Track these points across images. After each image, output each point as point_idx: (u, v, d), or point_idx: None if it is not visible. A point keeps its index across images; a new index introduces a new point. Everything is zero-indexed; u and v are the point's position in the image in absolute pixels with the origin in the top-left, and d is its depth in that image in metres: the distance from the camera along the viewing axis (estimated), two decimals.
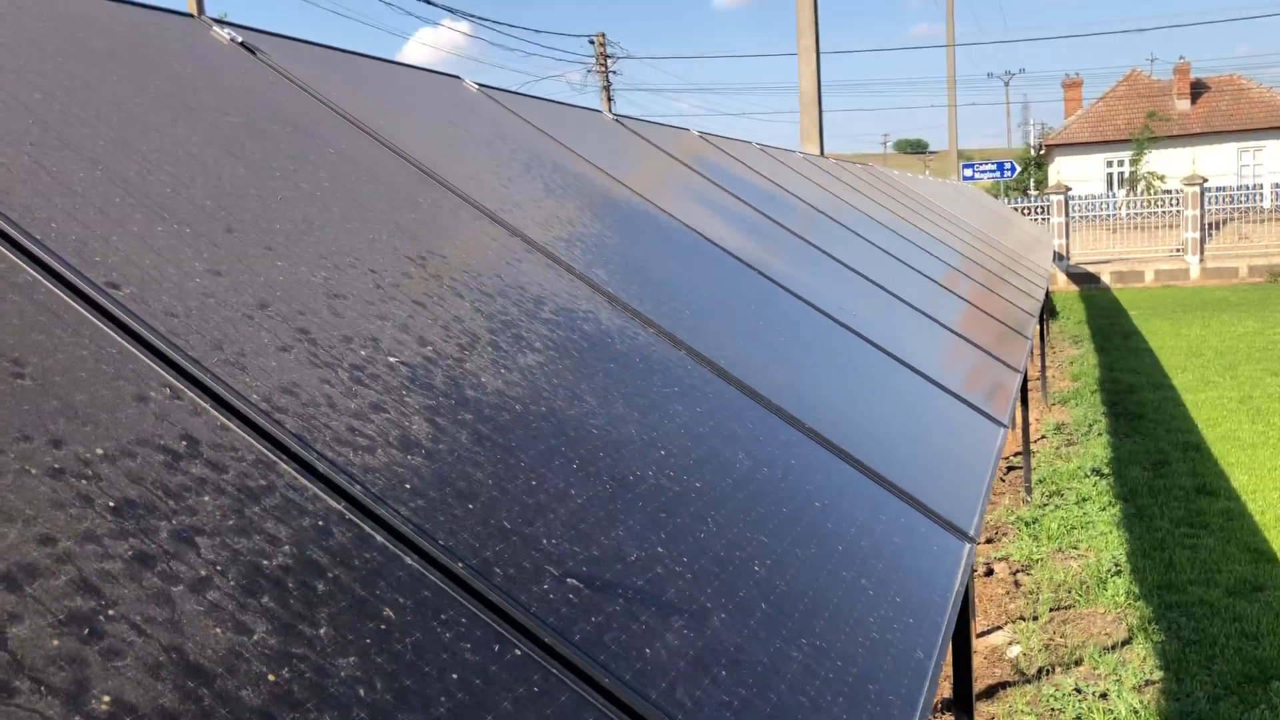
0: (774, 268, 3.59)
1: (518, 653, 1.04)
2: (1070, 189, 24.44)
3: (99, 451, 0.97)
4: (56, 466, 0.92)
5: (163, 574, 0.88)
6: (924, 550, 1.90)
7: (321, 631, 0.92)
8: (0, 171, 1.32)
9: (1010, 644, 5.09)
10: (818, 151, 19.08)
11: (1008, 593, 5.75)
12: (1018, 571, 6.03)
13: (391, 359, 1.45)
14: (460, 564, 1.11)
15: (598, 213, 2.90)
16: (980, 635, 5.22)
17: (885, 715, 1.31)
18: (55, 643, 0.77)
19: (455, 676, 0.96)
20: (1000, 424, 3.09)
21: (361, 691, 0.88)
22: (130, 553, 0.88)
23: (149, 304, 1.24)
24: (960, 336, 4.35)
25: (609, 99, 38.57)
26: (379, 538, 1.08)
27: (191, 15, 2.45)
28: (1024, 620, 5.33)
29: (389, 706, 0.89)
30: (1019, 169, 42.27)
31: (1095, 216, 24.68)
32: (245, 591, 0.91)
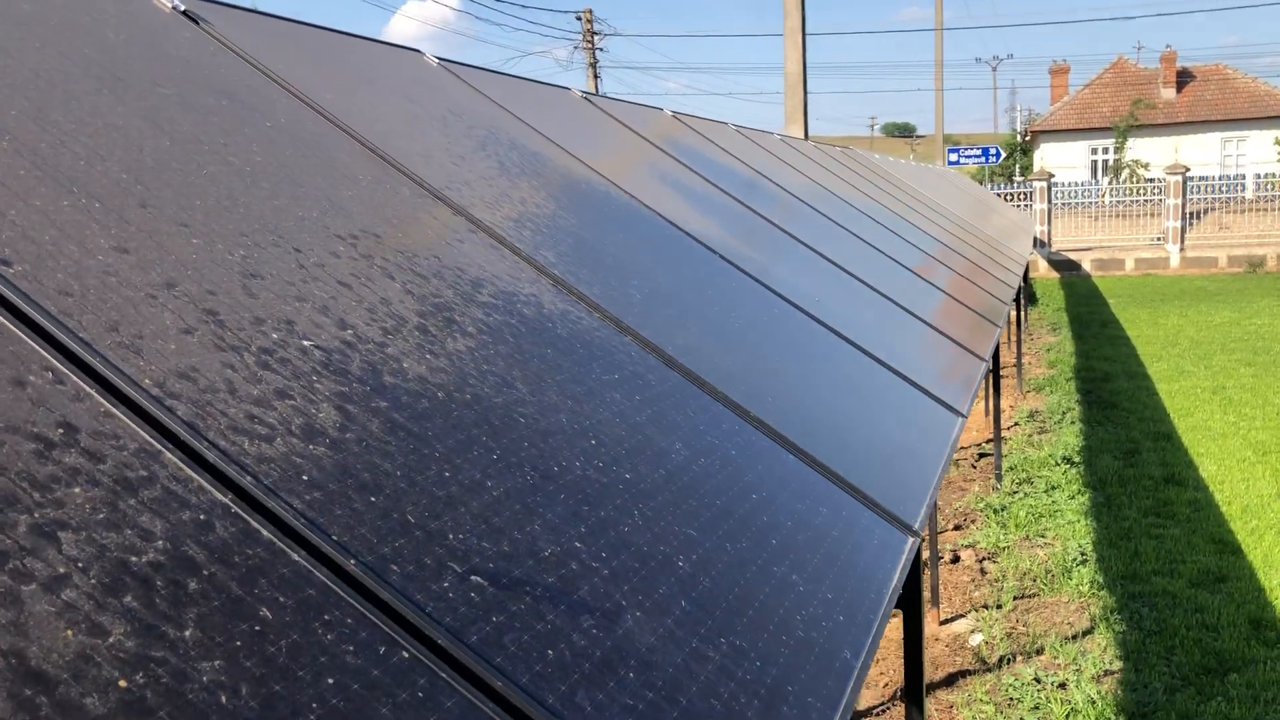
0: (739, 253, 3.54)
1: (405, 655, 1.00)
2: (1053, 175, 24.46)
3: None
4: None
5: (14, 572, 0.83)
6: (864, 544, 1.86)
7: (187, 633, 0.88)
8: None
9: (973, 632, 5.09)
10: (802, 133, 19.01)
11: (973, 580, 5.75)
12: (984, 559, 6.03)
13: (306, 343, 1.40)
14: (353, 560, 1.07)
15: (554, 193, 2.85)
16: (943, 623, 5.22)
17: (802, 718, 1.27)
18: None
19: (331, 681, 0.92)
20: (958, 413, 3.06)
21: (223, 698, 0.84)
22: None
23: (42, 282, 1.19)
24: (928, 325, 4.32)
25: (595, 76, 38.37)
26: (265, 533, 1.04)
27: None
28: (988, 608, 5.33)
29: (253, 714, 0.84)
30: (1004, 154, 42.26)
31: (1078, 204, 24.72)
32: (106, 590, 0.87)
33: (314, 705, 0.88)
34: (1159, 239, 22.75)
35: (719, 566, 1.50)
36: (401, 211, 2.05)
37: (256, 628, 0.92)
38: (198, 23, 2.39)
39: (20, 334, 1.09)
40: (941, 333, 4.25)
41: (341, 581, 1.04)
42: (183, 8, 2.40)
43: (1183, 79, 40.13)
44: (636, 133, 4.59)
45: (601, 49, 38.98)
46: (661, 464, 1.69)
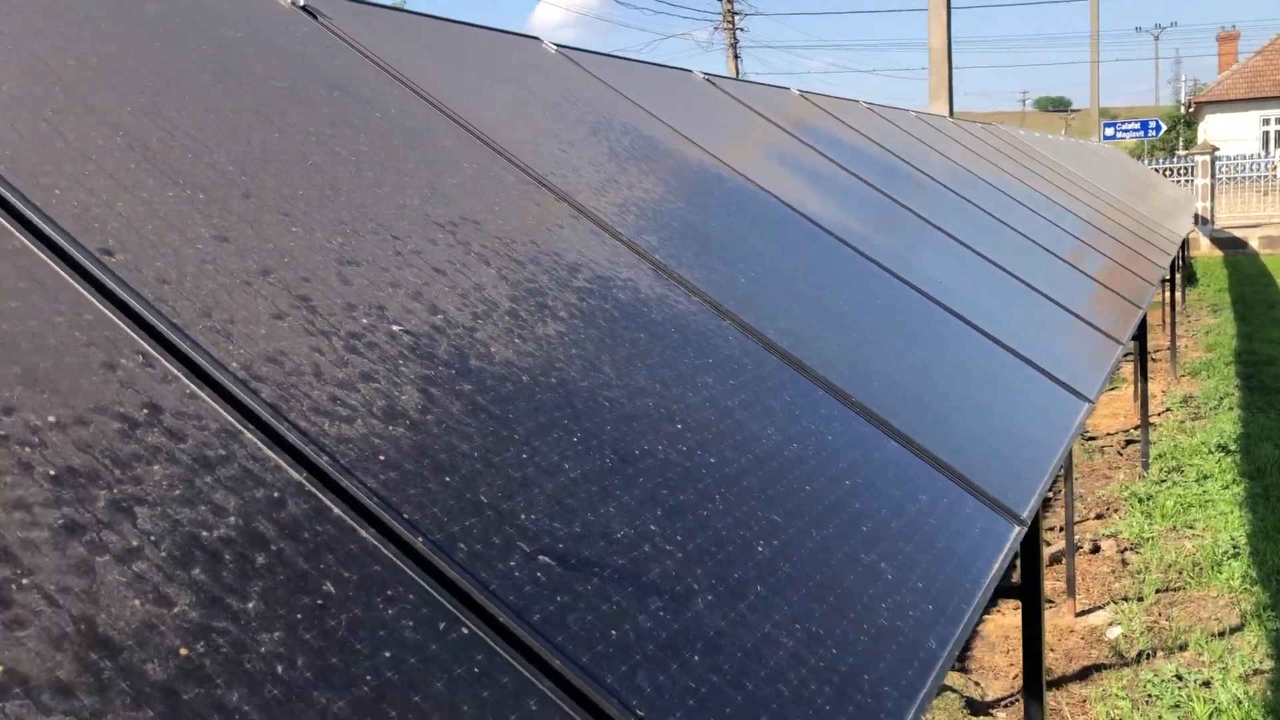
0: (859, 235, 3.48)
1: (464, 631, 1.03)
2: (1217, 149, 23.21)
3: (50, 419, 0.98)
4: (1, 434, 0.94)
5: (90, 544, 0.89)
6: (964, 533, 1.82)
7: (249, 606, 0.92)
8: (12, 138, 1.35)
9: (1111, 624, 4.90)
10: (946, 110, 18.50)
11: (1113, 571, 5.54)
12: (1126, 550, 5.80)
13: (395, 328, 1.45)
14: (421, 539, 1.10)
15: (664, 177, 2.86)
16: (1080, 614, 5.05)
17: (876, 708, 1.26)
18: None
19: (387, 655, 0.95)
20: (1084, 398, 2.95)
21: (279, 668, 0.88)
22: (60, 522, 0.89)
23: (141, 271, 1.26)
24: (1062, 308, 4.17)
25: (735, 57, 38.09)
26: (336, 510, 1.08)
27: None
28: (1128, 601, 5.13)
29: (306, 685, 0.88)
30: (1165, 128, 40.29)
31: (1246, 178, 23.39)
32: (175, 563, 0.92)
33: (368, 678, 0.92)
34: None
35: (801, 552, 1.48)
36: (503, 198, 2.09)
37: (318, 601, 0.96)
38: (315, 17, 2.48)
39: (115, 319, 1.16)
40: (1076, 315, 4.09)
41: (407, 558, 1.07)
42: (301, 2, 2.48)
43: None
44: (760, 114, 4.55)
45: (742, 29, 38.67)
46: (750, 449, 1.68)
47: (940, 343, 2.81)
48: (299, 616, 0.94)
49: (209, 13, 2.13)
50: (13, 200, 1.24)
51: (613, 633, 1.13)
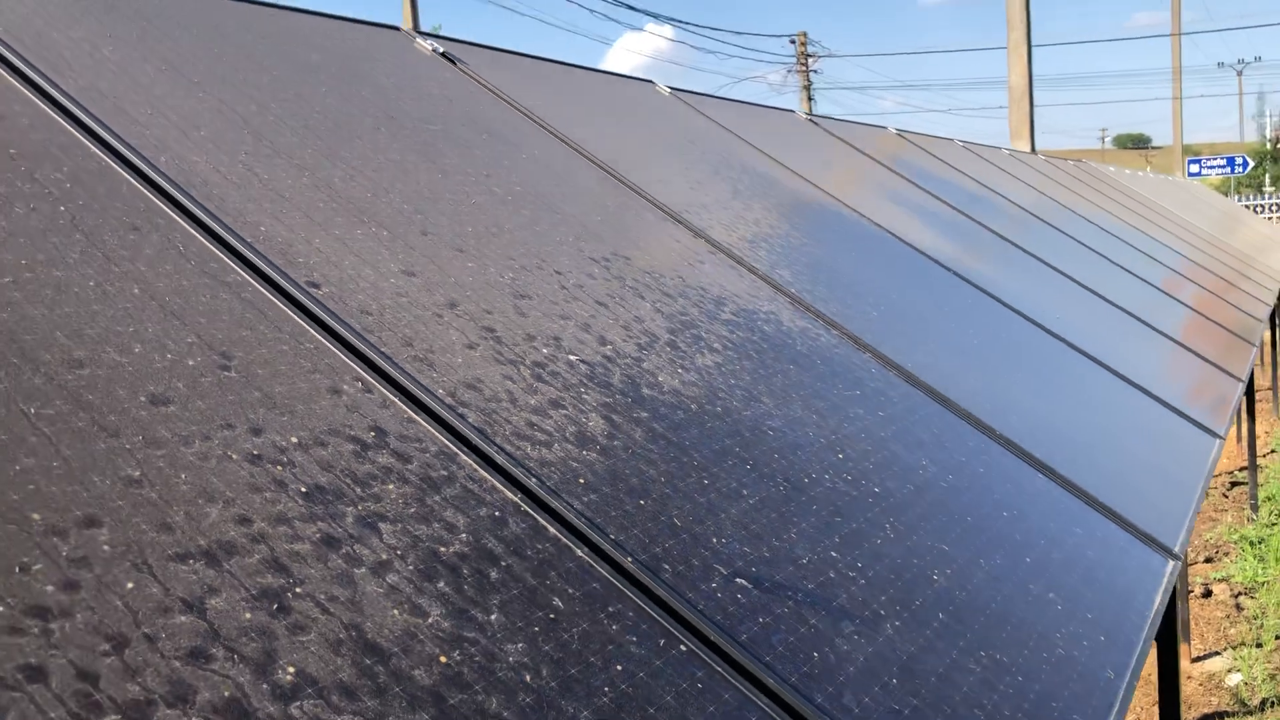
0: (974, 270, 3.48)
1: (683, 649, 1.05)
2: None
3: (294, 440, 1.04)
4: (255, 453, 0.99)
5: (347, 556, 0.93)
6: (1122, 566, 1.80)
7: (493, 618, 0.96)
8: (216, 179, 1.43)
9: (1230, 671, 4.76)
10: (1028, 148, 18.34)
11: (1227, 616, 5.38)
12: (1240, 594, 5.63)
13: (572, 357, 1.49)
14: (629, 558, 1.13)
15: (785, 214, 2.89)
16: (1195, 660, 4.91)
17: None
18: (248, 616, 0.83)
19: (619, 668, 0.98)
20: (1215, 434, 2.90)
21: (528, 677, 0.91)
22: (318, 535, 0.94)
23: (345, 302, 1.32)
24: (1175, 342, 4.10)
25: (809, 98, 38.19)
26: (552, 529, 1.12)
27: (397, 28, 2.57)
28: (1245, 646, 4.97)
29: (553, 693, 0.91)
30: (1252, 164, 39.42)
31: None
32: (423, 576, 0.96)
33: (605, 689, 0.95)
34: None
35: (974, 581, 1.49)
36: (646, 234, 2.14)
37: (551, 616, 1.00)
38: (455, 63, 2.57)
39: (332, 347, 1.22)
40: (1192, 351, 4.03)
41: (621, 577, 1.10)
42: (441, 50, 2.58)
43: None
44: (861, 151, 4.57)
45: (816, 71, 38.80)
46: (909, 479, 1.69)
47: (1066, 375, 2.79)
48: (536, 629, 0.97)
49: (363, 61, 2.22)
50: (226, 236, 1.31)
51: (814, 654, 1.15)
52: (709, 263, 2.18)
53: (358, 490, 1.02)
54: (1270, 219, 22.21)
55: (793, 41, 38.53)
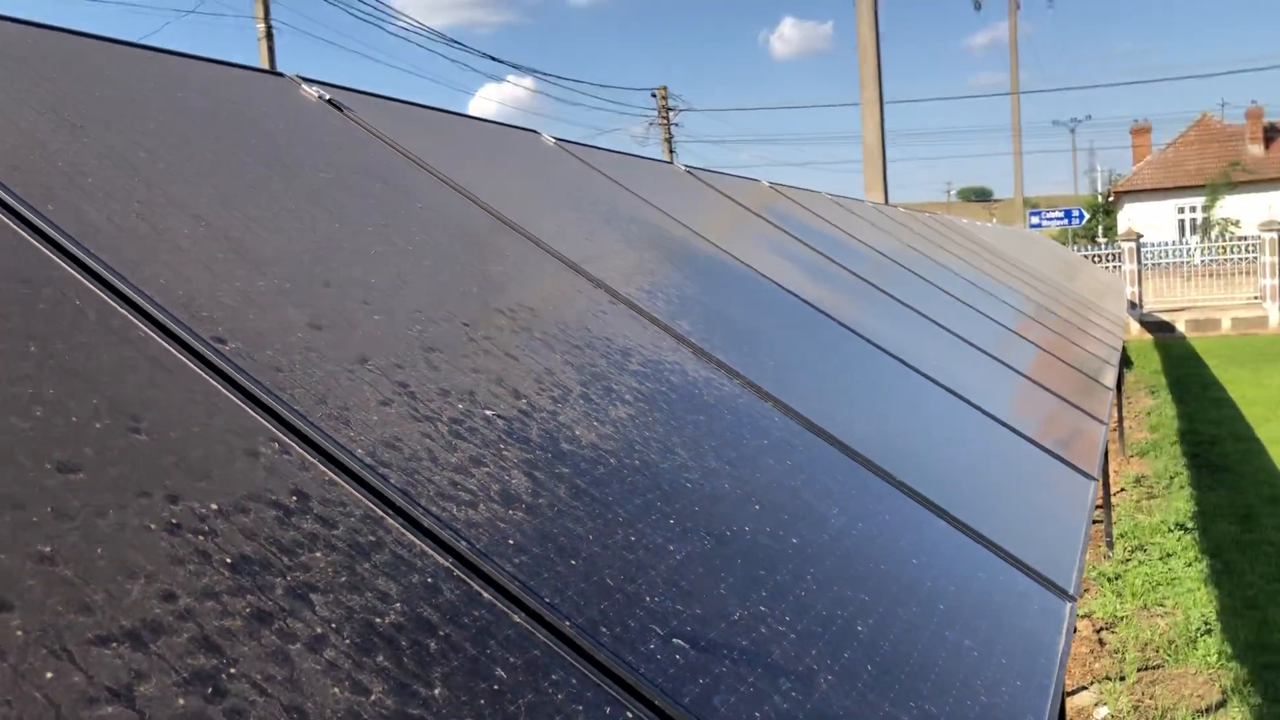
0: (853, 318, 3.55)
1: (629, 716, 1.01)
2: (1142, 235, 24.05)
3: (214, 507, 0.97)
4: (175, 522, 0.92)
5: (280, 632, 0.87)
6: (1026, 609, 1.84)
7: (436, 692, 0.90)
8: (110, 229, 1.35)
9: (1097, 705, 4.92)
10: (882, 200, 19.01)
11: (1092, 651, 5.57)
12: (1101, 629, 5.85)
13: (488, 412, 1.45)
14: (567, 622, 1.09)
15: (677, 263, 2.90)
16: (1065, 695, 5.06)
17: None
18: (181, 701, 0.76)
19: None
20: (1090, 477, 3.01)
21: None
22: (248, 610, 0.87)
23: (254, 358, 1.25)
24: (1042, 387, 4.26)
25: (671, 151, 38.84)
26: (486, 595, 1.07)
27: (282, 74, 2.50)
28: (1110, 680, 5.16)
29: None
30: (1087, 216, 41.68)
31: (1169, 264, 24.24)
32: (360, 650, 0.90)
33: None
34: (1256, 298, 22.17)
35: (895, 631, 1.49)
36: (548, 285, 2.11)
37: (495, 687, 0.95)
38: (341, 110, 2.50)
39: (245, 407, 1.15)
40: (1059, 396, 4.19)
41: (561, 642, 1.06)
42: (328, 96, 2.51)
43: (1270, 134, 39.35)
44: (740, 204, 4.65)
45: (677, 124, 39.50)
46: (823, 529, 1.69)
47: (951, 422, 2.86)
48: (482, 702, 0.92)
49: (249, 106, 2.15)
50: (126, 290, 1.23)
51: (756, 714, 1.13)
52: (611, 313, 2.16)
53: (285, 559, 0.95)
54: (1107, 268, 23.46)
55: (654, 95, 39.20)
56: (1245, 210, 35.84)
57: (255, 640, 0.85)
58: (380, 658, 0.90)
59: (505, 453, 1.37)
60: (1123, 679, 5.16)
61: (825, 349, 2.91)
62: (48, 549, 0.82)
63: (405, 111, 2.86)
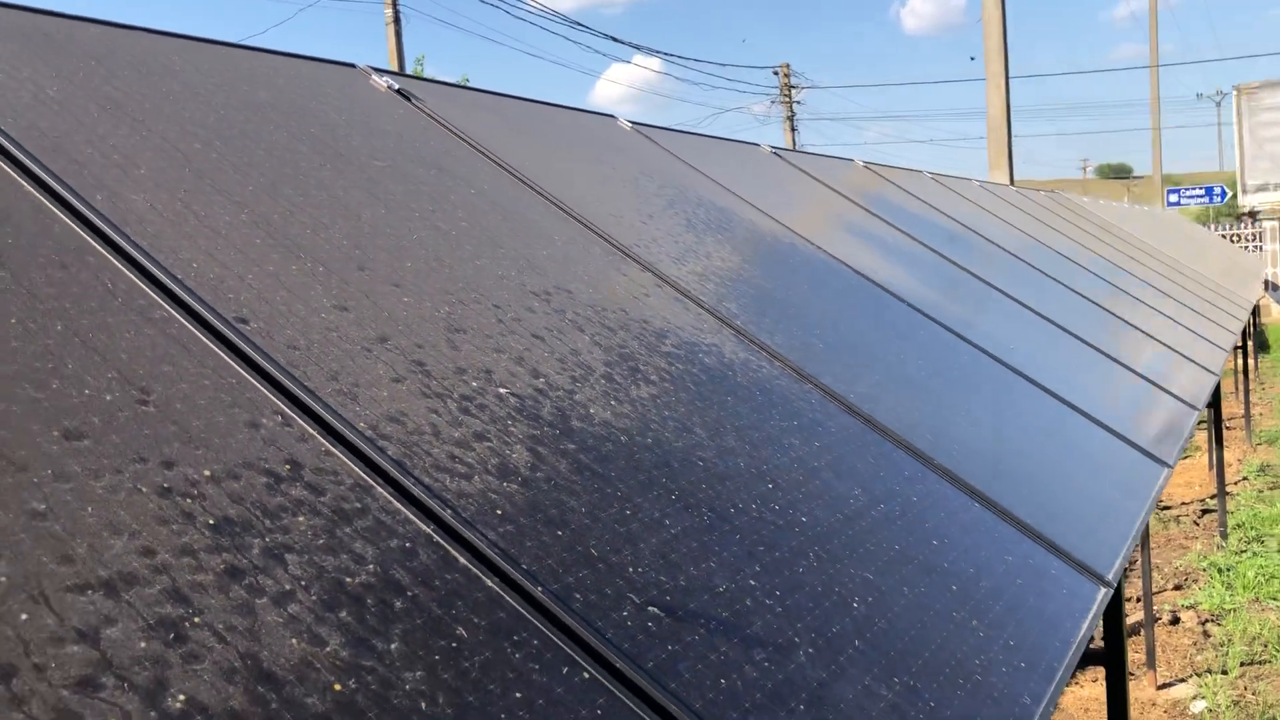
0: (928, 301, 3.53)
1: (585, 676, 1.08)
2: None
3: (206, 473, 1.07)
4: (165, 486, 1.02)
5: (249, 587, 0.96)
6: (1051, 593, 1.84)
7: (393, 646, 0.98)
8: (152, 216, 1.46)
9: (1195, 698, 4.79)
10: (1006, 179, 18.51)
11: (1194, 643, 5.42)
12: (1207, 621, 5.67)
13: (502, 390, 1.52)
14: (540, 588, 1.16)
15: (739, 247, 2.93)
16: (1161, 687, 4.94)
17: None
18: (142, 645, 0.85)
19: (519, 695, 1.01)
20: (1163, 463, 2.95)
21: (423, 704, 0.94)
22: (222, 566, 0.97)
23: (273, 337, 1.35)
24: (1134, 372, 4.16)
25: (793, 129, 38.46)
26: (463, 560, 1.14)
27: (353, 65, 2.62)
28: (1211, 674, 5.01)
29: (448, 719, 0.94)
30: (1230, 194, 39.77)
31: None
32: (324, 606, 0.98)
33: (502, 716, 0.97)
34: None
35: (895, 609, 1.52)
36: (592, 269, 2.17)
37: (453, 644, 1.02)
38: (410, 99, 2.61)
39: (255, 382, 1.25)
40: (1149, 380, 4.08)
41: (530, 606, 1.13)
42: (397, 86, 2.62)
43: None
44: (826, 185, 4.63)
45: (799, 102, 39.07)
46: (839, 508, 1.73)
47: (1016, 406, 2.84)
48: (437, 658, 1.00)
49: (314, 98, 2.26)
50: (157, 274, 1.34)
51: (722, 681, 1.18)
52: (655, 296, 2.22)
53: (266, 522, 1.04)
54: (1247, 248, 22.41)
55: (776, 73, 38.84)
56: None
57: (223, 594, 0.94)
58: (343, 614, 0.99)
59: (511, 429, 1.44)
60: (1225, 673, 5.00)
61: (888, 332, 2.91)
62: (41, 507, 0.92)
63: (477, 99, 2.96)
